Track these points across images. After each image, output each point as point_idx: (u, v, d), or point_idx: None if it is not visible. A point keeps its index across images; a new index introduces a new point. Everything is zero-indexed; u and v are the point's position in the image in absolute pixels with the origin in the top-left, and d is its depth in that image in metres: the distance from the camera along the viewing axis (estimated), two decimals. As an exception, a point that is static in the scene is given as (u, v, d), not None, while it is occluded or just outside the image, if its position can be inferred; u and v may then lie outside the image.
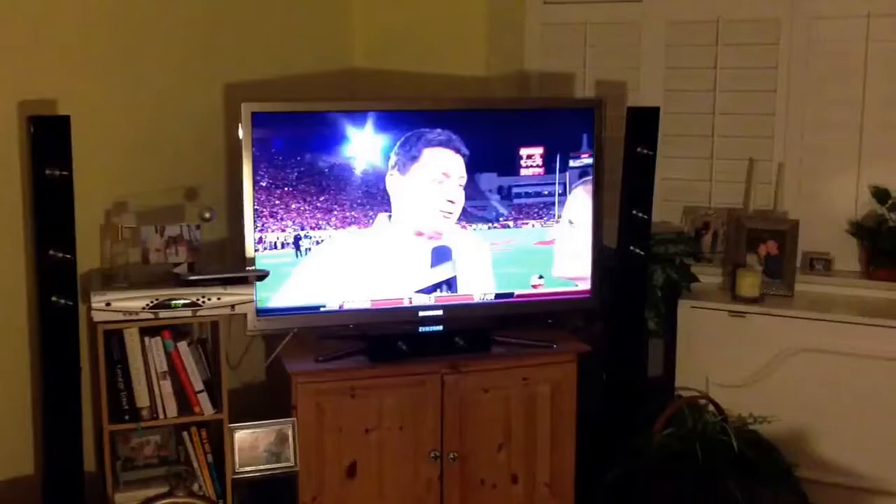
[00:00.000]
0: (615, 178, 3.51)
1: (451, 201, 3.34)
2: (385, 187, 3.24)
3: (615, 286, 3.47)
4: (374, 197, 3.24)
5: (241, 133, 3.07)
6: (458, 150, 3.34)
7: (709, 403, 3.43)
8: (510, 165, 3.36)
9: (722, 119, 3.81)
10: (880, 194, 3.57)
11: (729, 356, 3.53)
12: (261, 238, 3.11)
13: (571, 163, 3.40)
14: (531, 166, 3.38)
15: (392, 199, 3.27)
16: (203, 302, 2.92)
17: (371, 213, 3.24)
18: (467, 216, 3.35)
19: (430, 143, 3.31)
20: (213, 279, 2.96)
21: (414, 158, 3.30)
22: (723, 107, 3.80)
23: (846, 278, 3.65)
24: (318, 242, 3.17)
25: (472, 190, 3.33)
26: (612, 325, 3.50)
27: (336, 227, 3.19)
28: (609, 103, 3.55)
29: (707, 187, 3.87)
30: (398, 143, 3.26)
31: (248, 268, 3.10)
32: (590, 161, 3.41)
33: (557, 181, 3.40)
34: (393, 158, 3.26)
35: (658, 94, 3.85)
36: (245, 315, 3.08)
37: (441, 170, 3.32)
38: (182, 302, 2.89)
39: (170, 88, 3.28)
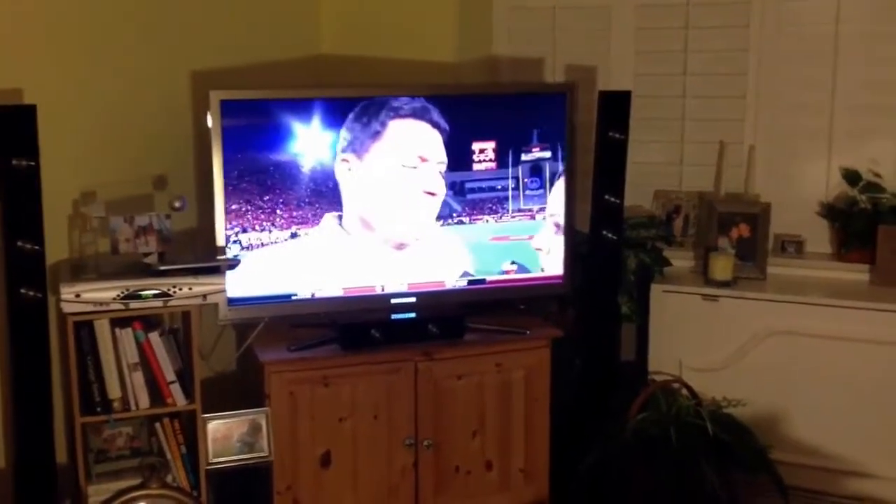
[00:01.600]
0: (585, 163, 3.63)
1: (431, 193, 3.31)
2: (335, 180, 3.24)
3: (588, 271, 3.59)
4: (322, 195, 3.25)
5: (209, 122, 3.15)
6: (436, 125, 3.30)
7: (683, 387, 3.55)
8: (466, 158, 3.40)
9: (692, 102, 3.93)
10: (851, 176, 3.71)
11: (702, 340, 3.67)
12: (231, 226, 3.20)
13: (524, 156, 3.47)
14: (484, 160, 3.42)
15: (343, 197, 3.28)
16: (174, 292, 2.99)
17: (330, 215, 3.27)
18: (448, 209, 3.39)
19: (398, 113, 3.19)
20: (184, 269, 3.04)
21: (375, 135, 3.23)
22: (693, 90, 3.93)
23: (818, 260, 3.79)
24: (292, 234, 3.26)
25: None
26: (585, 311, 3.62)
27: (300, 222, 3.27)
28: (579, 88, 3.65)
29: (678, 171, 4.00)
30: (350, 117, 3.21)
31: (219, 257, 3.18)
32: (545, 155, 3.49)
33: (510, 175, 3.45)
34: (344, 138, 3.23)
35: (628, 78, 3.95)
36: (216, 305, 3.16)
37: (415, 149, 3.26)
38: (152, 292, 2.96)
39: (137, 76, 3.35)
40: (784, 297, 3.57)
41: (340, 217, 3.30)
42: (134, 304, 2.97)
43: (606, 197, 3.51)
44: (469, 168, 3.40)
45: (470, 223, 3.42)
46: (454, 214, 3.40)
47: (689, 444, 3.35)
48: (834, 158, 3.79)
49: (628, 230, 3.68)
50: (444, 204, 3.39)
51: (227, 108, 3.15)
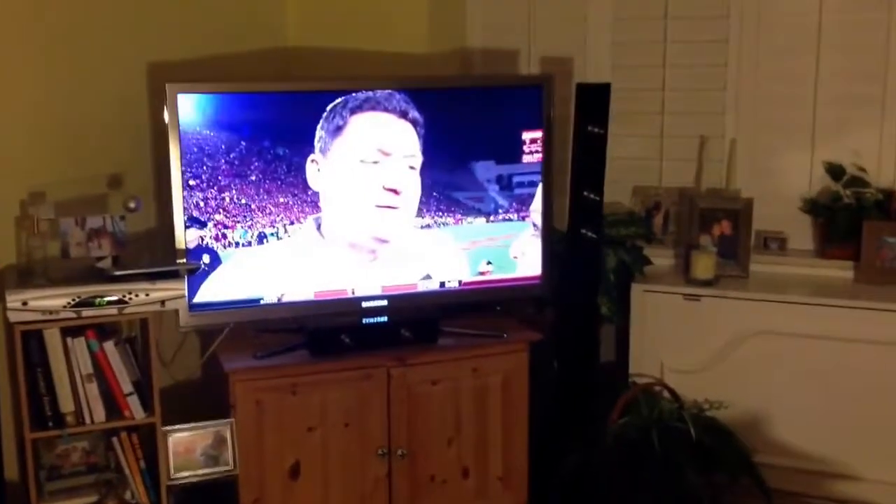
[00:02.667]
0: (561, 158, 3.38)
1: (393, 190, 3.05)
2: (304, 182, 2.97)
3: (566, 271, 3.33)
4: (295, 196, 2.98)
5: (166, 116, 2.87)
6: (404, 115, 3.02)
7: (664, 390, 3.31)
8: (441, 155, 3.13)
9: (672, 95, 3.69)
10: (835, 171, 3.48)
11: (684, 341, 3.42)
12: (191, 228, 2.92)
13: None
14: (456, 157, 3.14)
15: (321, 198, 3.02)
16: (129, 299, 2.71)
17: (300, 218, 3.01)
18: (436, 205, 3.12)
19: (359, 107, 2.94)
20: (140, 274, 2.75)
21: (338, 130, 2.96)
22: (672, 82, 3.68)
23: (801, 257, 3.56)
24: (260, 236, 2.98)
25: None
26: (563, 312, 3.36)
27: (268, 224, 3.00)
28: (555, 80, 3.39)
29: (657, 166, 3.75)
30: (323, 117, 2.97)
31: (178, 260, 2.90)
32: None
33: (484, 173, 3.18)
34: (318, 138, 2.99)
35: (605, 70, 3.71)
36: (176, 311, 2.88)
37: (375, 143, 2.99)
38: (106, 299, 2.68)
39: (89, 67, 3.05)
40: (767, 295, 3.33)
41: (319, 220, 3.03)
42: (86, 312, 2.68)
43: (585, 194, 3.25)
44: (443, 167, 3.14)
45: (444, 223, 3.16)
46: (428, 214, 3.14)
47: (672, 448, 3.12)
48: (817, 152, 3.55)
49: (607, 228, 3.43)
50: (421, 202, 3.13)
51: (185, 102, 2.87)
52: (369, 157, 3.02)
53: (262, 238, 2.97)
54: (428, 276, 3.18)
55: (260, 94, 2.96)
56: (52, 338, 2.70)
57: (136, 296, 2.72)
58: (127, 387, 2.78)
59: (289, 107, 2.97)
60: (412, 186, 3.09)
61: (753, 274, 3.51)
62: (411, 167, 3.08)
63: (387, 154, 3.03)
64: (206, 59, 3.35)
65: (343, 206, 3.04)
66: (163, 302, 2.76)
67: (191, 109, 2.86)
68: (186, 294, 2.82)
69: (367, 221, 3.07)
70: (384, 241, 3.10)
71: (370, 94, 2.99)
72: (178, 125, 2.85)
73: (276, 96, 2.97)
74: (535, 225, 3.24)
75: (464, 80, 3.55)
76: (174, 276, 2.80)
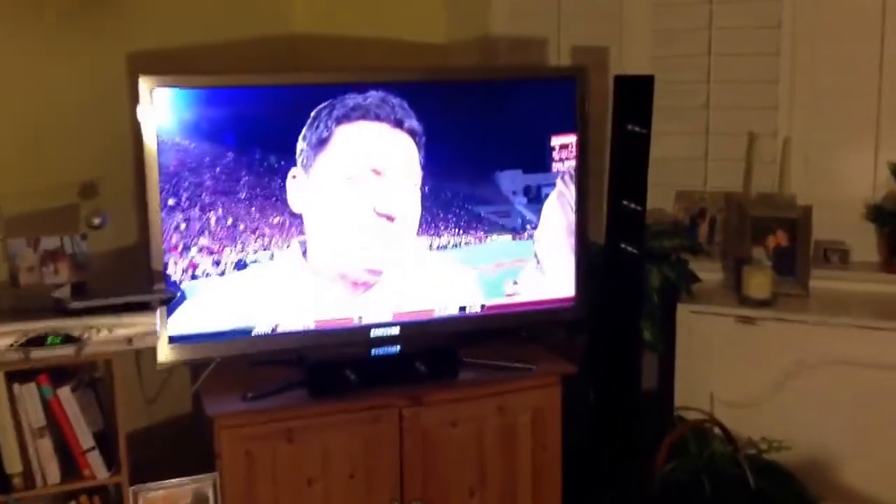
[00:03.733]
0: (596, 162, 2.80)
1: (387, 216, 2.50)
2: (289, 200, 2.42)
3: (604, 291, 2.75)
4: (287, 214, 2.43)
5: (140, 114, 2.31)
6: (399, 124, 2.47)
7: (716, 427, 2.74)
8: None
9: (718, 88, 3.10)
10: (903, 173, 2.90)
11: (737, 369, 2.83)
12: (171, 247, 2.35)
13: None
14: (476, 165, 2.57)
15: (304, 221, 2.46)
16: (89, 337, 2.14)
17: (284, 237, 2.46)
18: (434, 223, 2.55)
19: (346, 116, 2.41)
20: (103, 306, 2.18)
21: (322, 143, 2.41)
22: (718, 74, 3.09)
23: (865, 272, 2.97)
24: (248, 260, 2.42)
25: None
26: (600, 338, 2.78)
27: (262, 246, 2.44)
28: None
29: (701, 167, 3.16)
30: (306, 124, 2.41)
31: (156, 285, 2.33)
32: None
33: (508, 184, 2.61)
34: (300, 150, 2.42)
35: (643, 60, 3.12)
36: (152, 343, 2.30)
37: (364, 160, 2.44)
38: (61, 338, 2.12)
39: (58, 59, 2.46)
40: (833, 318, 2.73)
41: (304, 244, 2.46)
42: (37, 354, 2.11)
43: (625, 203, 2.67)
44: (457, 178, 2.56)
45: (461, 244, 2.59)
46: (442, 234, 2.57)
47: (727, 496, 2.57)
48: (882, 152, 2.95)
49: (649, 240, 2.84)
50: (425, 222, 2.56)
51: (163, 99, 2.31)
52: (358, 175, 2.45)
53: (249, 263, 2.41)
54: (445, 300, 2.62)
55: (246, 89, 2.40)
56: (-3, 384, 2.13)
57: (98, 332, 2.15)
58: (87, 441, 2.20)
59: (283, 105, 2.40)
60: (410, 208, 2.53)
61: (813, 291, 2.93)
62: (408, 185, 2.52)
63: (378, 172, 2.46)
64: (195, 49, 2.76)
65: (329, 231, 2.47)
66: (130, 339, 2.18)
67: (170, 107, 2.31)
68: (159, 329, 2.24)
69: (356, 250, 2.50)
70: (377, 273, 2.54)
71: (359, 100, 2.42)
72: (156, 126, 2.30)
73: (267, 91, 2.42)
74: (566, 238, 2.66)
75: (484, 73, 2.94)
76: (145, 307, 2.22)
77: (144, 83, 2.31)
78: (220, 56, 2.82)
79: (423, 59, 3.02)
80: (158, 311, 2.24)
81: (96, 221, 2.26)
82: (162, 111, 2.31)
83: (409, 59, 3.02)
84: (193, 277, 2.38)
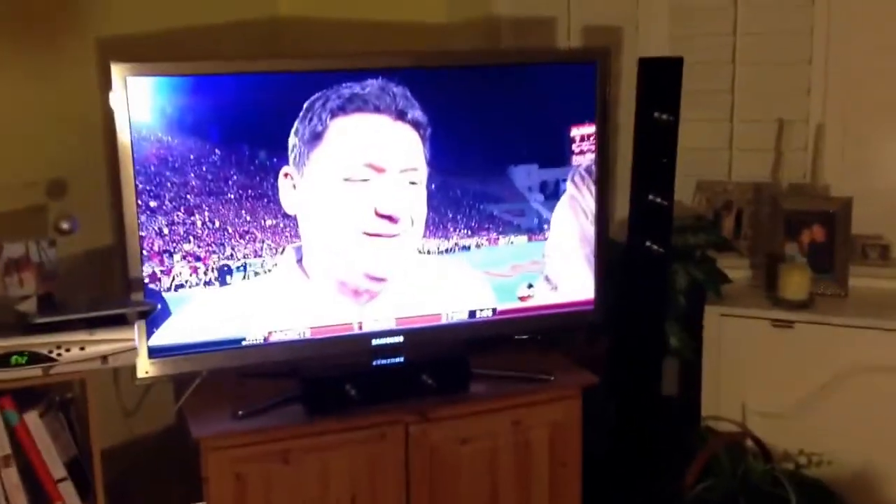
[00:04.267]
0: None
1: (389, 217, 2.26)
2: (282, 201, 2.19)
3: (626, 293, 2.51)
4: (278, 216, 2.19)
5: (113, 105, 2.07)
6: (401, 115, 2.23)
7: (750, 441, 2.51)
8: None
9: (744, 70, 2.86)
10: (949, 162, 2.67)
11: (772, 377, 2.61)
12: (150, 252, 2.12)
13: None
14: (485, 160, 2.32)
15: (299, 224, 2.23)
16: (58, 354, 1.90)
17: (275, 246, 2.22)
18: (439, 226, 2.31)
19: (342, 108, 2.18)
20: (74, 321, 1.94)
21: (316, 137, 2.17)
22: (745, 55, 2.86)
23: (905, 269, 2.75)
24: (234, 267, 2.18)
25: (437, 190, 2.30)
26: (622, 344, 2.54)
27: (252, 253, 2.20)
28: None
29: (725, 157, 2.92)
30: (299, 117, 2.17)
31: (132, 296, 2.10)
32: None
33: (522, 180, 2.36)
34: (292, 145, 2.18)
35: (662, 40, 2.90)
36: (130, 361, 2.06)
37: (363, 156, 2.20)
38: (26, 357, 1.88)
39: (21, 44, 2.20)
40: (877, 321, 2.50)
41: (300, 249, 2.23)
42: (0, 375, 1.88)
43: (651, 197, 2.43)
44: (466, 174, 2.32)
45: (471, 245, 2.36)
46: (450, 236, 2.33)
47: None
48: (924, 138, 2.73)
49: (672, 236, 2.61)
50: (432, 223, 2.32)
51: (138, 88, 2.06)
52: (356, 174, 2.21)
53: (236, 270, 2.17)
54: (453, 305, 2.39)
55: (233, 77, 2.14)
56: (-45, 410, 1.90)
57: (68, 350, 1.90)
58: (58, 470, 1.96)
59: (268, 95, 2.16)
60: (415, 207, 2.28)
61: (851, 290, 2.70)
62: (413, 182, 2.27)
63: (379, 170, 2.22)
64: (173, 33, 2.51)
65: (325, 235, 2.23)
66: (105, 357, 1.94)
67: (147, 97, 2.07)
68: (137, 345, 2.00)
69: (356, 256, 2.26)
70: (380, 280, 2.30)
71: (356, 89, 2.17)
72: (129, 118, 2.06)
73: (257, 80, 2.17)
74: (585, 236, 2.43)
75: (495, 56, 2.67)
76: (120, 321, 1.98)
77: (116, 71, 2.06)
78: (199, 41, 2.56)
79: (421, 41, 2.76)
80: (136, 326, 2.00)
81: (65, 226, 2.01)
82: (137, 102, 2.06)
83: (404, 42, 2.76)
84: (179, 286, 2.15)
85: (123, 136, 2.07)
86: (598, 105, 2.41)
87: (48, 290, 2.01)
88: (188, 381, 2.32)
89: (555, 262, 2.43)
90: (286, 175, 2.18)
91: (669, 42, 2.88)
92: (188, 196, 2.13)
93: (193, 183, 2.13)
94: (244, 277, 2.20)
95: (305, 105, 2.18)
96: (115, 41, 2.35)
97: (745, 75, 2.86)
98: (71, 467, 1.99)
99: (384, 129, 2.23)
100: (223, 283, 2.18)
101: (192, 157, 2.12)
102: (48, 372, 1.90)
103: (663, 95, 2.41)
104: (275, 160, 2.18)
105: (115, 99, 2.06)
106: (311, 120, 2.18)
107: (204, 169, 2.14)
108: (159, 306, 2.09)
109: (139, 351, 2.10)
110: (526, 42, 3.01)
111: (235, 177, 2.16)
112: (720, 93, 2.89)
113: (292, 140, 2.18)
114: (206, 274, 2.17)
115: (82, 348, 1.92)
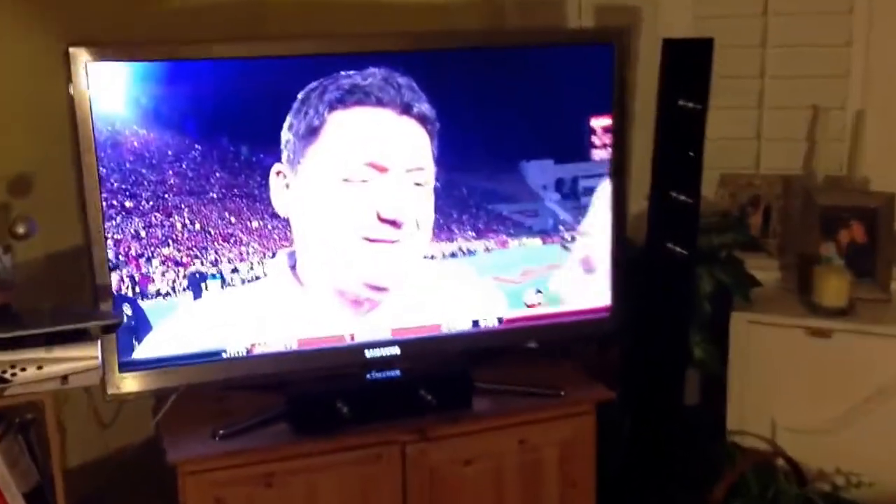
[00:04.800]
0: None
1: (392, 222, 2.07)
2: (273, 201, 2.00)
3: (646, 300, 2.29)
4: (265, 218, 2.00)
5: (72, 93, 1.87)
6: (407, 109, 2.02)
7: (781, 460, 2.30)
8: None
9: (775, 53, 2.63)
10: None
11: (805, 390, 2.39)
12: (119, 256, 1.92)
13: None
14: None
15: (292, 228, 2.03)
16: (12, 375, 1.71)
17: (264, 251, 2.02)
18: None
19: (340, 100, 1.98)
20: (30, 336, 1.75)
21: (312, 132, 1.99)
22: (777, 37, 2.62)
23: (949, 270, 2.52)
24: (192, 275, 1.98)
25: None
26: (640, 355, 2.33)
27: (237, 257, 2.00)
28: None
29: (753, 147, 2.70)
30: (292, 109, 1.98)
31: (98, 307, 1.90)
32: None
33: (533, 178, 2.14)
34: (285, 141, 1.98)
35: (684, 21, 2.66)
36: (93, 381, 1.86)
37: (364, 154, 2.00)
38: (-25, 378, 1.69)
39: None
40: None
41: (293, 255, 2.02)
42: (-54, 398, 1.69)
43: (674, 195, 2.21)
44: (474, 170, 2.11)
45: (481, 249, 2.14)
46: (455, 238, 2.12)
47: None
48: (972, 128, 2.50)
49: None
50: (438, 224, 2.11)
51: (102, 75, 1.86)
52: (356, 174, 2.00)
53: (194, 281, 1.97)
54: (454, 314, 2.18)
55: (213, 62, 1.94)
56: None
57: (24, 370, 1.72)
58: (15, 500, 1.78)
59: (251, 82, 1.95)
60: (421, 211, 2.07)
61: (894, 296, 2.47)
62: (418, 184, 2.06)
63: (382, 170, 2.01)
64: (142, 15, 2.28)
65: (321, 240, 2.03)
66: (65, 377, 1.75)
67: (112, 86, 1.86)
68: (101, 363, 1.80)
69: (355, 263, 2.05)
70: (381, 290, 2.09)
71: (357, 79, 1.96)
72: (90, 108, 1.86)
73: (242, 65, 1.96)
74: (599, 237, 2.21)
75: (504, 37, 2.41)
76: (83, 336, 1.79)
77: (76, 56, 1.86)
78: (174, 21, 2.34)
79: (420, 22, 2.52)
80: (99, 341, 1.80)
81: (21, 230, 1.81)
82: (103, 90, 1.86)
83: (402, 24, 2.53)
84: (157, 294, 1.96)
85: (85, 129, 1.87)
86: (616, 91, 2.18)
87: (4, 300, 1.82)
88: (167, 393, 2.14)
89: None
90: (278, 173, 1.98)
91: (692, 23, 2.64)
92: (166, 195, 1.94)
93: (172, 181, 1.94)
94: (228, 283, 2.00)
95: (300, 96, 1.97)
96: (81, 23, 2.13)
97: (776, 59, 2.63)
98: (32, 497, 1.81)
99: (387, 125, 2.01)
100: (201, 291, 1.99)
101: (169, 152, 1.93)
102: (1, 394, 1.71)
103: (690, 81, 2.19)
104: (263, 157, 1.97)
105: (76, 87, 1.86)
106: (306, 113, 1.97)
107: (184, 166, 1.94)
108: (125, 319, 1.89)
109: (110, 365, 1.93)
110: (532, 24, 2.78)
111: (219, 174, 1.96)
112: (748, 78, 2.65)
113: (285, 135, 1.98)
114: (185, 280, 1.98)
115: (39, 367, 1.73)
